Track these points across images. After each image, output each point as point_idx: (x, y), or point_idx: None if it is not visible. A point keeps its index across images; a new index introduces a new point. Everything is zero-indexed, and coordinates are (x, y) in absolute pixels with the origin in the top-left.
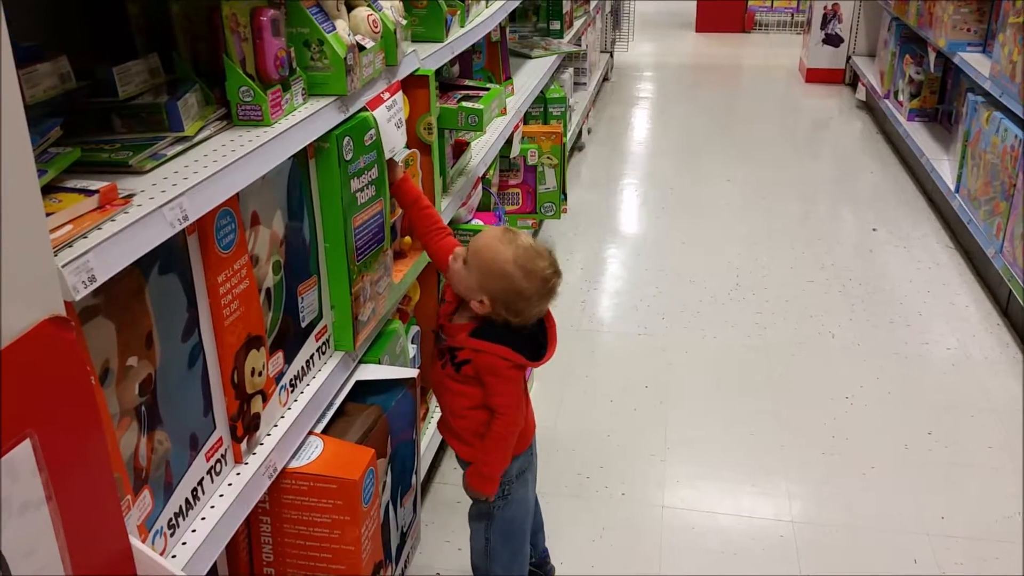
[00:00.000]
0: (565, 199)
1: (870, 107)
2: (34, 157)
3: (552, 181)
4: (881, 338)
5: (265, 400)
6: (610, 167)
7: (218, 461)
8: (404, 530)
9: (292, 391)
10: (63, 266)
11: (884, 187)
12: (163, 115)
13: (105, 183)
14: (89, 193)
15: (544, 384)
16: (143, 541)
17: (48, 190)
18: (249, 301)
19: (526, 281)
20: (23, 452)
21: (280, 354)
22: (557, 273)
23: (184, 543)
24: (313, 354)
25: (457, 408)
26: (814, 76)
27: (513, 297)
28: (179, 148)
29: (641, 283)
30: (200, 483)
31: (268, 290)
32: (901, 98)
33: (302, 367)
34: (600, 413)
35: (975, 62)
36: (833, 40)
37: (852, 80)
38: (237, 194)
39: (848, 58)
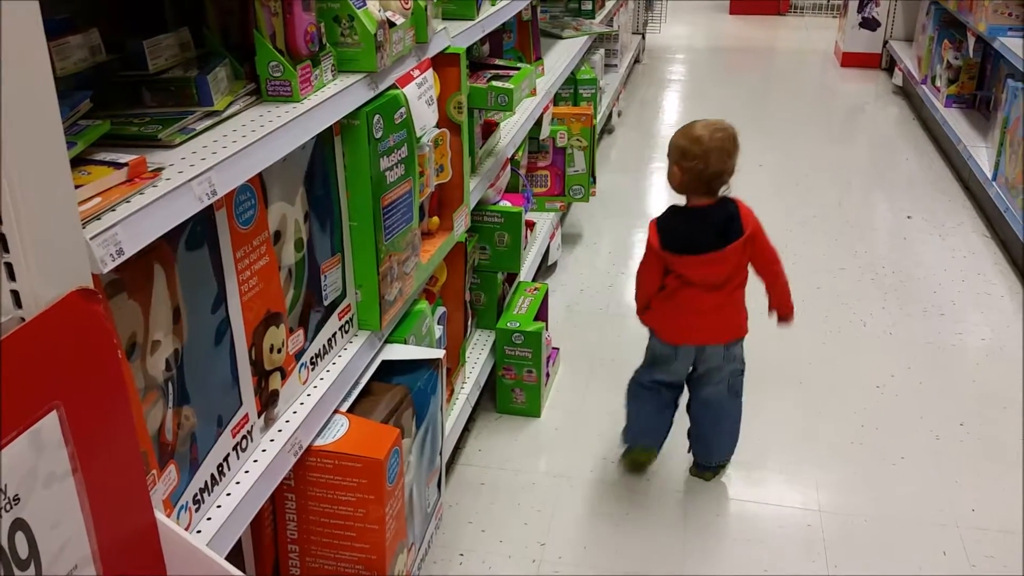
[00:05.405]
0: (594, 182)
1: (907, 92)
2: (64, 129)
3: (581, 164)
4: (914, 327)
5: (284, 377)
6: (640, 150)
7: (244, 437)
8: (428, 511)
9: (313, 369)
10: (91, 238)
11: (919, 174)
12: (193, 89)
13: (134, 156)
14: (118, 166)
15: (570, 368)
16: (168, 516)
17: (77, 162)
18: (269, 277)
19: (681, 139)
20: (50, 423)
21: (301, 332)
22: (702, 135)
23: (209, 518)
24: (336, 332)
25: None
26: (850, 60)
27: (677, 155)
28: (208, 123)
29: None
30: (226, 459)
31: (290, 268)
32: (938, 84)
33: (324, 345)
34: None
35: (1016, 47)
36: (870, 24)
37: (889, 65)
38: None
39: (885, 42)
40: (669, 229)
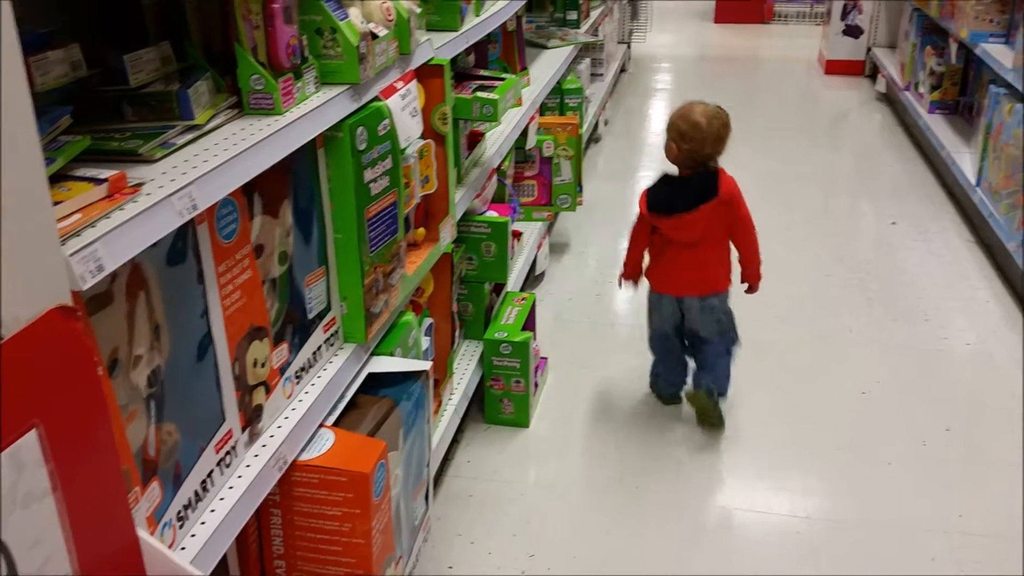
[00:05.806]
0: (581, 191)
1: (890, 99)
2: (43, 145)
3: (568, 173)
4: (899, 333)
5: (268, 391)
6: (627, 159)
7: (228, 453)
8: (415, 524)
9: (298, 382)
10: (70, 255)
11: (904, 180)
12: (174, 103)
13: (114, 172)
14: (98, 182)
15: (559, 377)
16: (152, 533)
17: (57, 179)
18: (252, 292)
19: (681, 122)
20: (28, 442)
21: (285, 345)
22: (701, 123)
23: (193, 535)
24: (321, 346)
25: None
26: (834, 68)
27: (676, 135)
28: (189, 137)
29: None
30: (209, 475)
31: (273, 281)
32: (922, 90)
33: (309, 358)
34: (616, 407)
35: (997, 53)
36: (853, 31)
37: (872, 72)
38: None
39: (868, 49)
40: (655, 193)
